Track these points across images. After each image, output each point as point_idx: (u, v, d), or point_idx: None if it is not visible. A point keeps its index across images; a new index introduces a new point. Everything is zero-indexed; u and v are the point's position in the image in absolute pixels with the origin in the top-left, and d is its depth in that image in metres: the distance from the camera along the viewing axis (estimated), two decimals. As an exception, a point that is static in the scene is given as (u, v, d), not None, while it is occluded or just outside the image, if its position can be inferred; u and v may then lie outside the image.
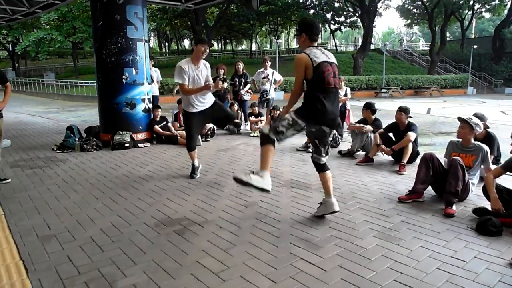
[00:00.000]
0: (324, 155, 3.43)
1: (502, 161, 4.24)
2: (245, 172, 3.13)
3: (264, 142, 3.19)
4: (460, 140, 4.14)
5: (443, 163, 4.07)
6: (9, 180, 4.78)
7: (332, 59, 3.30)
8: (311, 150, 6.03)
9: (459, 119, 4.12)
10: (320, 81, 3.14)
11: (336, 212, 3.44)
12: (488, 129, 4.70)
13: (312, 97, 3.20)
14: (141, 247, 2.94)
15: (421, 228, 3.28)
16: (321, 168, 3.48)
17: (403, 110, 5.36)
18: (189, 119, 4.80)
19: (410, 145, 5.19)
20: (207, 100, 4.77)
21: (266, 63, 8.60)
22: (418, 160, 5.12)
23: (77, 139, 6.80)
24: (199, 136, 7.22)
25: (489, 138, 4.53)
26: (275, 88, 9.71)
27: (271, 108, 8.14)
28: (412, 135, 5.18)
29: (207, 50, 4.66)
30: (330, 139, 3.43)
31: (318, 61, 3.13)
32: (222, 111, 4.98)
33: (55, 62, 38.68)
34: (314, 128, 3.30)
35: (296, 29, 3.36)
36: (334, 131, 3.47)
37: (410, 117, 5.42)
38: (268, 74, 8.56)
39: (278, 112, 7.88)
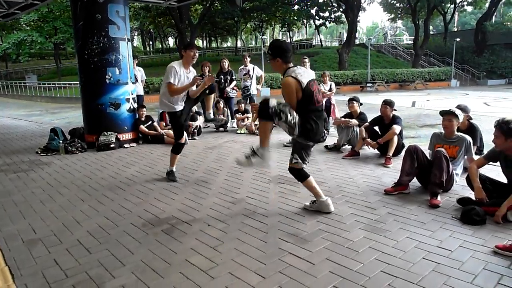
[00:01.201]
0: (305, 163, 3.48)
1: (485, 151, 4.33)
2: (246, 154, 3.35)
3: (303, 177, 3.50)
4: (443, 132, 4.21)
5: (427, 155, 4.13)
6: (-8, 184, 4.70)
7: (312, 75, 3.39)
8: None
9: (443, 112, 4.17)
10: (310, 101, 3.21)
11: (331, 212, 3.51)
12: (471, 120, 4.77)
13: (305, 117, 3.24)
14: (129, 247, 2.92)
15: (407, 219, 3.32)
16: (303, 176, 3.51)
17: (388, 104, 5.41)
18: (175, 117, 4.72)
19: (395, 138, 5.25)
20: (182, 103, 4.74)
21: (246, 59, 8.75)
22: (403, 152, 5.19)
23: (61, 141, 6.71)
24: (186, 135, 7.18)
25: (472, 129, 4.61)
26: (262, 85, 9.77)
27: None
28: (397, 128, 5.24)
29: (197, 54, 4.63)
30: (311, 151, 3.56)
31: (306, 82, 3.16)
32: (202, 94, 4.84)
33: (37, 64, 38.00)
34: (301, 140, 3.36)
35: (268, 53, 3.34)
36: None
37: (395, 110, 5.48)
38: (248, 70, 8.61)
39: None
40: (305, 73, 3.25)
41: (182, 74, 4.55)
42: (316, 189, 3.50)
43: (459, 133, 4.14)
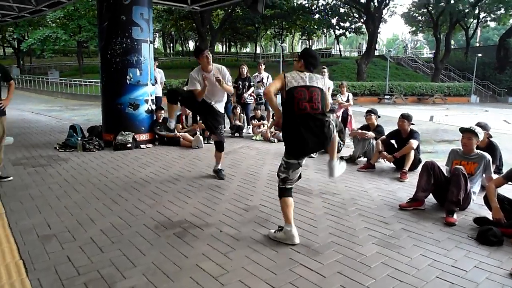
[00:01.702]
0: (290, 183, 3.23)
1: (504, 170, 4.23)
2: (274, 230, 3.21)
3: (281, 194, 3.20)
4: (462, 148, 4.14)
5: (444, 171, 4.07)
6: (11, 178, 4.80)
7: (315, 83, 3.15)
8: (313, 156, 6.06)
9: (463, 129, 4.10)
10: (290, 105, 3.07)
11: (296, 244, 3.10)
12: (490, 138, 4.69)
13: (286, 124, 3.14)
14: (141, 249, 2.94)
15: (422, 236, 3.27)
16: (282, 193, 3.23)
17: (406, 117, 5.35)
18: (198, 103, 4.85)
19: (412, 153, 5.18)
20: (216, 104, 4.87)
21: (260, 67, 8.83)
22: (420, 167, 5.12)
23: (79, 138, 6.82)
24: (201, 138, 7.24)
25: (491, 147, 4.52)
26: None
27: (273, 112, 8.15)
28: (414, 143, 5.18)
29: (209, 55, 4.70)
30: (316, 155, 3.42)
31: (291, 86, 3.08)
32: (214, 121, 4.95)
33: (60, 61, 38.86)
34: (285, 157, 3.17)
35: (298, 54, 3.40)
36: (338, 139, 3.44)
37: (413, 124, 5.41)
38: (262, 78, 8.65)
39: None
40: (300, 80, 3.12)
41: (204, 76, 4.64)
42: (288, 214, 3.14)
43: (478, 151, 4.07)
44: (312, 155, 5.94)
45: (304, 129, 3.01)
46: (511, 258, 2.87)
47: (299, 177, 3.27)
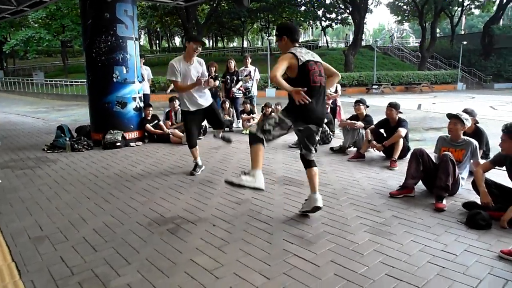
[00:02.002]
0: (313, 152, 3.42)
1: (491, 155, 4.31)
2: (237, 174, 3.14)
3: (253, 141, 3.17)
4: (449, 135, 4.20)
5: (433, 158, 4.12)
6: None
7: (317, 58, 3.29)
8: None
9: (450, 115, 4.17)
10: (305, 80, 3.11)
11: (318, 208, 3.36)
12: (477, 124, 4.76)
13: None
14: (135, 246, 2.93)
15: (412, 222, 3.32)
16: (308, 164, 3.45)
17: (393, 106, 5.40)
18: (185, 117, 4.90)
19: (401, 141, 5.24)
20: (203, 101, 4.82)
21: (247, 60, 8.89)
22: (409, 155, 5.18)
23: (67, 138, 6.76)
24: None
25: (478, 133, 4.59)
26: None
27: (263, 105, 8.17)
28: (402, 131, 5.23)
29: (199, 48, 4.70)
30: (318, 137, 3.43)
31: (304, 60, 3.11)
32: (214, 117, 5.05)
33: (44, 61, 38.27)
34: (302, 127, 3.28)
35: (275, 34, 3.34)
36: (326, 128, 3.46)
37: (401, 112, 5.46)
38: (250, 71, 8.65)
39: (270, 109, 7.91)
40: (307, 54, 3.20)
41: (184, 68, 4.63)
42: (314, 183, 3.37)
43: (465, 137, 4.13)
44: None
45: (315, 101, 3.14)
46: (499, 241, 2.93)
47: (273, 139, 3.24)
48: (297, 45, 3.28)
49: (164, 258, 2.74)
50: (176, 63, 4.66)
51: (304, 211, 3.47)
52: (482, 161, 4.01)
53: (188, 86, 4.65)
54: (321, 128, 3.39)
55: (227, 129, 8.44)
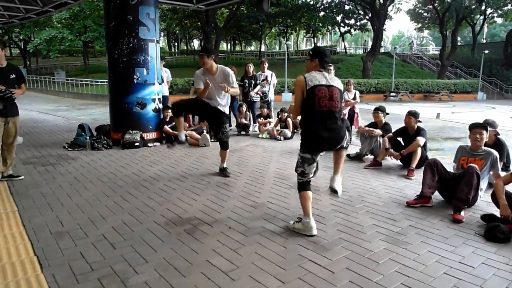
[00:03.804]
0: (308, 177, 3.34)
1: (512, 168, 4.24)
2: (293, 221, 3.36)
3: (300, 188, 3.33)
4: (469, 145, 4.15)
5: (447, 169, 4.09)
6: (22, 177, 4.87)
7: (335, 83, 3.24)
8: (321, 153, 6.07)
9: (475, 125, 4.11)
10: (311, 102, 3.14)
11: (314, 236, 3.24)
12: (498, 136, 4.69)
13: (305, 121, 3.26)
14: (152, 245, 2.99)
15: (429, 233, 3.29)
16: (301, 187, 3.36)
17: (412, 115, 5.36)
18: (194, 101, 4.96)
19: (419, 150, 5.19)
20: (221, 106, 4.91)
21: (264, 65, 8.87)
22: (426, 165, 5.13)
23: (88, 137, 6.90)
24: (208, 136, 7.28)
25: (499, 144, 4.52)
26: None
27: (278, 110, 8.21)
28: (421, 140, 5.19)
29: (204, 58, 4.68)
30: (345, 141, 3.40)
31: (312, 85, 3.14)
32: (217, 121, 5.00)
33: (66, 61, 39.09)
34: (301, 153, 3.29)
35: (309, 53, 3.41)
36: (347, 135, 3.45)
37: (420, 121, 5.42)
38: (266, 76, 8.68)
39: (286, 114, 7.94)
40: (322, 79, 3.20)
41: (209, 78, 4.67)
42: (307, 206, 3.28)
43: (486, 147, 4.08)
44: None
45: (322, 126, 3.15)
46: (518, 254, 2.89)
47: (316, 172, 3.37)
48: (323, 71, 3.29)
49: (181, 258, 2.78)
50: (199, 74, 4.81)
51: (297, 231, 3.32)
52: (502, 173, 3.94)
53: (202, 91, 4.72)
54: (341, 144, 3.36)
55: (243, 132, 8.50)
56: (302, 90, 3.19)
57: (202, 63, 4.73)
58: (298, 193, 3.35)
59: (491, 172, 4.04)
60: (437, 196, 4.11)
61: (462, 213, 3.63)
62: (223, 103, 4.93)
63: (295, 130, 8.08)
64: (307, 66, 3.39)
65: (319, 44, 54.13)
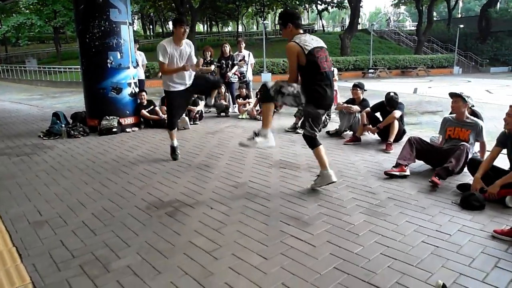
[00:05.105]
0: (316, 133, 3.58)
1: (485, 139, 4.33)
2: (249, 137, 3.40)
3: (265, 99, 3.38)
4: (454, 115, 4.24)
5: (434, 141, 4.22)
6: (-4, 167, 4.74)
7: (322, 43, 3.42)
8: (299, 131, 6.11)
9: (452, 94, 4.21)
10: (314, 67, 3.25)
11: (334, 182, 3.61)
12: (473, 107, 4.78)
13: (311, 84, 3.33)
14: (134, 229, 2.97)
15: (407, 204, 3.37)
16: (314, 144, 3.62)
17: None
18: (169, 98, 4.85)
19: (396, 124, 5.26)
20: (187, 79, 4.78)
21: (241, 45, 8.84)
22: (404, 138, 5.23)
23: (63, 125, 6.73)
24: (187, 119, 7.21)
25: (474, 116, 4.61)
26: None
27: (257, 90, 8.15)
28: (397, 113, 5.26)
29: (187, 30, 4.65)
30: (323, 120, 3.56)
31: (309, 48, 3.21)
32: (203, 83, 4.99)
33: (37, 48, 37.69)
34: (311, 109, 3.43)
35: (279, 23, 3.46)
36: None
37: (396, 96, 5.47)
38: (244, 56, 8.60)
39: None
40: (312, 41, 3.32)
41: (173, 51, 4.60)
42: (323, 160, 3.60)
43: (473, 117, 4.17)
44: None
45: (327, 87, 3.34)
46: (492, 221, 2.99)
47: (281, 104, 3.57)
48: (301, 31, 3.36)
49: (163, 241, 2.77)
50: (166, 45, 4.60)
51: (319, 186, 3.65)
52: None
53: (172, 70, 4.63)
54: (327, 112, 3.52)
55: (223, 113, 8.44)
56: (298, 55, 3.24)
57: (182, 33, 4.58)
58: (312, 151, 3.65)
59: (477, 140, 4.13)
60: (414, 168, 4.20)
61: (440, 180, 3.72)
62: (190, 74, 4.79)
63: (275, 110, 8.06)
64: (285, 33, 3.45)
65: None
